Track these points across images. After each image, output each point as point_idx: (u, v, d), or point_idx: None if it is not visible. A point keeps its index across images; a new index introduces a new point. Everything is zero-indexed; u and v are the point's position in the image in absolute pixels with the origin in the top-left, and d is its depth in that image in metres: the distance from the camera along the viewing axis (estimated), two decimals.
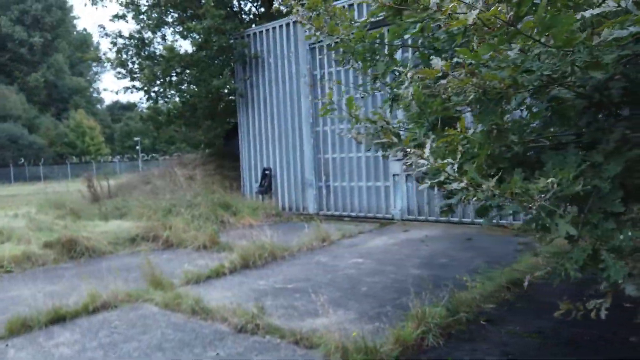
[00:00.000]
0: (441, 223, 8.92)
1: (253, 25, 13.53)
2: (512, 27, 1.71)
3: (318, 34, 3.72)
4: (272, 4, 14.40)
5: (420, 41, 3.73)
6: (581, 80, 2.00)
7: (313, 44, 10.83)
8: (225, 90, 13.81)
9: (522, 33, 1.75)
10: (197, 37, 11.44)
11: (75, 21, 70.48)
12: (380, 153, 3.72)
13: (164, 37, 14.22)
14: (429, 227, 8.65)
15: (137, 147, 52.60)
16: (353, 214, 10.41)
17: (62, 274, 6.91)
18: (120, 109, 71.05)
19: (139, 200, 11.11)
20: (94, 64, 74.56)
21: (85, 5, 14.20)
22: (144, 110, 14.62)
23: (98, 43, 73.67)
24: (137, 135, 54.77)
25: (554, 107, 2.19)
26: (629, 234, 1.61)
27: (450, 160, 1.89)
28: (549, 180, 1.64)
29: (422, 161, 1.97)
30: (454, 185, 1.87)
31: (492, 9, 1.63)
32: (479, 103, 2.07)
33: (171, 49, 11.11)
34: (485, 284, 4.59)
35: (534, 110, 2.16)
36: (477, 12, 1.64)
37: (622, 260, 1.61)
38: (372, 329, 3.92)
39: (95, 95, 71.84)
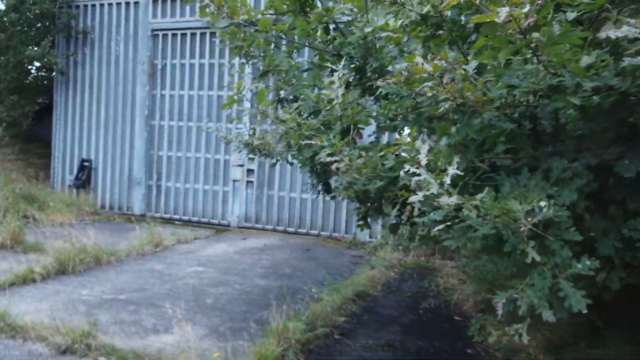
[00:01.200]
0: (278, 232, 9.00)
1: None
2: (524, 36, 1.68)
3: (214, 12, 3.35)
4: None
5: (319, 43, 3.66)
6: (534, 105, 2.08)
7: (156, 30, 9.99)
8: (38, 64, 11.81)
9: (529, 44, 1.72)
10: None
11: None
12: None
13: None
14: (267, 236, 8.65)
15: None
16: (185, 217, 9.82)
17: None
18: None
19: None
20: None
21: None
22: None
23: None
24: None
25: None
26: (587, 262, 1.76)
27: (451, 171, 1.79)
28: (542, 203, 1.71)
29: (420, 172, 1.81)
30: (444, 200, 1.79)
31: (517, 11, 1.58)
32: (456, 113, 2.06)
33: None
34: (334, 296, 4.72)
35: (494, 130, 2.20)
36: (507, 10, 1.58)
37: (581, 290, 1.75)
38: (229, 346, 3.67)
39: None
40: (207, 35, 9.56)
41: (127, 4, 10.18)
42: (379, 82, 2.46)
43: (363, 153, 2.64)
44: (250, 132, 4.32)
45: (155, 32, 10.02)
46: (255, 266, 6.36)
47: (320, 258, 7.03)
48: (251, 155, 4.27)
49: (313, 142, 2.66)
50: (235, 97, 3.56)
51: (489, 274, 4.23)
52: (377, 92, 2.74)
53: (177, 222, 9.71)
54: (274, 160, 4.32)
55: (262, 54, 3.75)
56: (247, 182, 9.36)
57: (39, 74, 12.23)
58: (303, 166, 3.30)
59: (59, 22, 10.52)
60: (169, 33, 9.92)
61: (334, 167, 2.58)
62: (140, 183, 10.14)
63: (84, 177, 10.45)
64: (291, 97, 3.83)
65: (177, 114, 9.93)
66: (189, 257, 6.76)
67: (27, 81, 11.93)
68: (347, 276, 5.77)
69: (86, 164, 10.56)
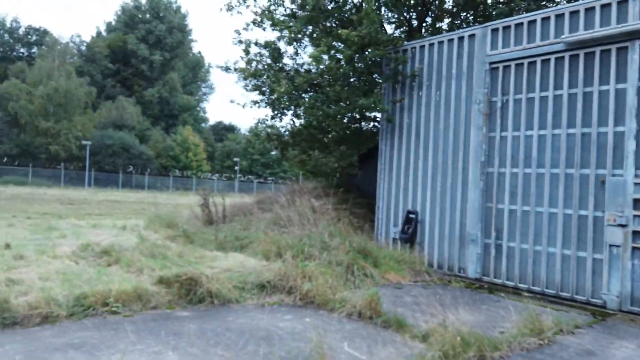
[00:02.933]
0: None
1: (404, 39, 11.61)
2: None
3: None
4: (427, 17, 12.42)
5: None
6: None
7: (495, 62, 8.60)
8: (363, 114, 11.97)
9: None
10: (348, 48, 9.66)
11: (192, 44, 74.64)
12: None
13: (296, 52, 12.83)
14: None
15: (236, 168, 53.20)
16: (536, 288, 7.79)
17: (180, 328, 5.11)
18: (223, 130, 73.51)
19: (261, 230, 9.36)
20: (203, 85, 78.59)
21: (221, 10, 13.23)
22: (267, 129, 13.16)
23: (209, 65, 77.42)
24: (236, 156, 55.68)
25: None
26: None
27: None
28: None
29: None
30: None
31: None
32: None
33: (317, 59, 9.43)
34: None
35: None
36: None
37: None
38: None
39: (201, 114, 74.94)
40: (566, 60, 7.63)
41: (461, 38, 9.17)
42: None
43: None
44: None
45: (494, 65, 8.63)
46: None
47: None
48: None
49: None
50: None
51: None
52: None
53: (524, 294, 7.74)
54: None
55: None
56: (634, 248, 6.76)
57: (362, 123, 12.43)
58: None
59: (386, 69, 10.31)
60: (512, 64, 8.39)
61: None
62: (474, 241, 8.67)
63: (411, 230, 9.64)
64: None
65: (523, 160, 8.16)
66: None
67: (351, 132, 12.24)
68: None
69: (412, 216, 9.76)
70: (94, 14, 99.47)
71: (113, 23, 67.64)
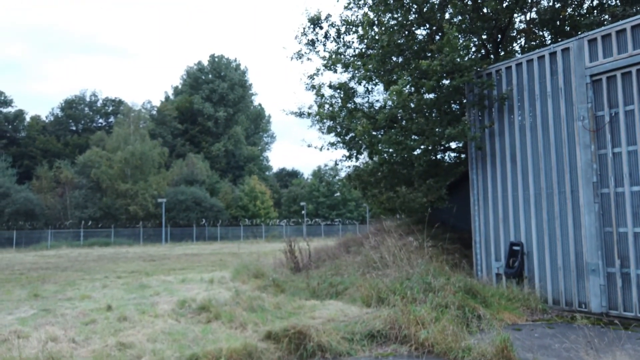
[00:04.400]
0: None
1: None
2: None
3: None
4: (502, 39, 11.90)
5: None
6: None
7: (597, 74, 7.91)
8: (454, 144, 11.49)
9: None
10: (429, 79, 9.30)
11: (252, 97, 77.81)
12: None
13: (367, 90, 12.69)
14: None
15: (303, 212, 53.45)
16: None
17: None
18: (287, 176, 74.84)
19: (354, 275, 8.92)
20: (265, 135, 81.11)
21: (291, 59, 13.47)
22: (345, 169, 12.95)
23: (269, 116, 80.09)
24: (302, 200, 56.09)
25: None
26: None
27: None
28: None
29: None
30: None
31: None
32: None
33: (400, 92, 9.14)
34: None
35: None
36: None
37: None
38: None
39: (265, 163, 76.96)
40: None
41: (553, 54, 8.57)
42: None
43: None
44: None
45: (596, 78, 7.94)
46: None
47: None
48: None
49: None
50: None
51: None
52: None
53: None
54: None
55: None
56: None
57: (448, 153, 11.90)
58: None
59: (470, 95, 9.83)
60: (617, 74, 7.67)
61: None
62: (595, 271, 7.74)
63: (517, 264, 8.82)
64: None
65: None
66: None
67: (435, 164, 11.72)
68: None
69: (516, 248, 8.96)
70: (162, 80, 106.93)
71: (179, 86, 72.17)
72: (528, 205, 8.90)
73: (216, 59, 70.90)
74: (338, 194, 57.79)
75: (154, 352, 5.34)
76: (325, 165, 58.24)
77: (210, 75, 70.26)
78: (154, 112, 64.21)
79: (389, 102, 10.80)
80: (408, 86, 9.48)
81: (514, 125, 9.25)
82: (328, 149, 12.35)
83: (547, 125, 8.66)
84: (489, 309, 7.51)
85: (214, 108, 67.05)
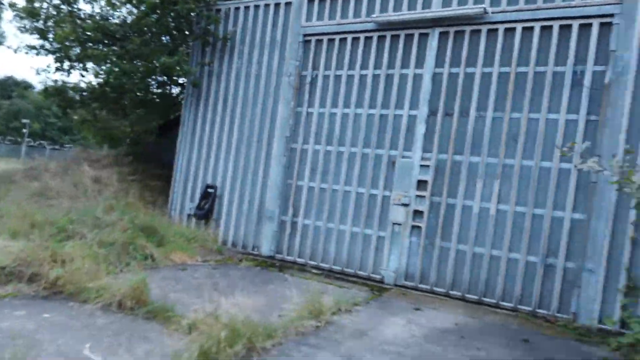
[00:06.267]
0: (452, 299, 6.61)
1: None
2: None
3: None
4: None
5: None
6: None
7: (310, 35, 8.27)
8: (166, 77, 10.68)
9: None
10: None
11: None
12: None
13: None
14: (445, 306, 6.28)
15: (24, 130, 45.23)
16: (325, 265, 7.76)
17: None
18: (13, 85, 61.86)
19: (18, 203, 7.51)
20: None
21: None
22: (50, 83, 10.86)
23: None
24: (26, 117, 47.35)
25: None
26: None
27: None
28: None
29: None
30: None
31: None
32: None
33: (112, 3, 7.86)
34: None
35: None
36: None
37: None
38: None
39: None
40: (374, 40, 7.65)
41: (277, 4, 8.61)
42: None
43: None
44: None
45: (308, 38, 8.30)
46: None
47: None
48: None
49: None
50: None
51: None
52: None
53: (313, 270, 7.67)
54: None
55: None
56: (413, 227, 7.11)
57: (167, 87, 11.12)
58: None
59: (196, 28, 9.24)
60: (325, 38, 8.16)
61: None
62: (272, 218, 8.31)
63: (207, 206, 8.85)
64: None
65: (326, 137, 8.03)
66: (366, 343, 4.57)
67: (154, 95, 10.85)
68: None
69: (211, 190, 8.98)
70: None
71: None
72: (230, 151, 8.97)
73: None
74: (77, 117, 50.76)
75: None
76: (41, 72, 49.98)
77: None
78: None
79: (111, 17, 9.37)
80: None
81: (232, 68, 9.10)
82: (27, 52, 10.08)
83: (260, 75, 8.76)
84: (162, 248, 7.28)
85: None
